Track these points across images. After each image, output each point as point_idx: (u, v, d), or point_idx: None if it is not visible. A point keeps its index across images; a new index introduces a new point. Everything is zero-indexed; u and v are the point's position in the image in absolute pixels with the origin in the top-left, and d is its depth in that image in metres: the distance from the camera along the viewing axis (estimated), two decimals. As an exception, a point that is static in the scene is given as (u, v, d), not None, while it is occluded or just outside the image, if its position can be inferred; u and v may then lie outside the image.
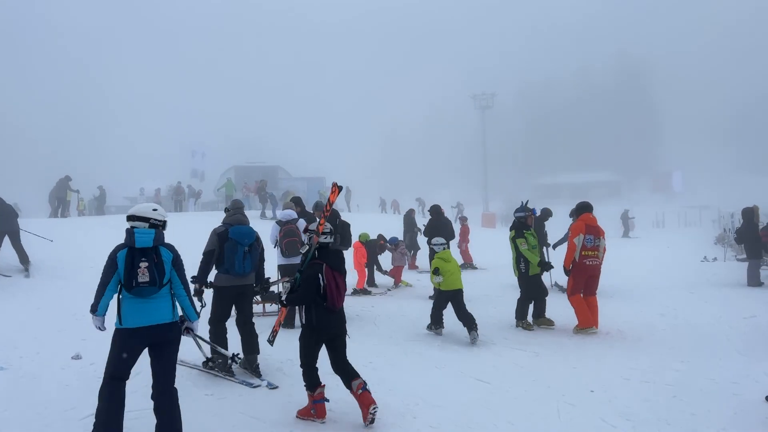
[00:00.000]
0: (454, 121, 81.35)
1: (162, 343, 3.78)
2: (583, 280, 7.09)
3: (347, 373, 4.36)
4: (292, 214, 7.59)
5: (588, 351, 6.26)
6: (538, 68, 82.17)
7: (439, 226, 10.37)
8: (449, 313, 7.06)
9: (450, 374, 5.54)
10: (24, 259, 10.32)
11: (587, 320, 6.93)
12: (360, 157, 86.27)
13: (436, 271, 7.11)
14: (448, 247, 8.16)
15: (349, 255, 8.89)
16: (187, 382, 5.21)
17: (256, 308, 7.35)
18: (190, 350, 6.19)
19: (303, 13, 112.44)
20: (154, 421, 4.29)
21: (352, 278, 10.55)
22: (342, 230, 8.37)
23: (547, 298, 7.70)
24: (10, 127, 72.67)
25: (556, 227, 11.89)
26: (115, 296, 3.77)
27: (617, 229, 36.38)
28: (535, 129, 78.36)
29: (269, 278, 5.99)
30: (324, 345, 4.44)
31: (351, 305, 8.96)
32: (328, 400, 4.40)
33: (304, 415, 4.37)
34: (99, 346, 4.50)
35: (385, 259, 12.23)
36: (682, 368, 5.53)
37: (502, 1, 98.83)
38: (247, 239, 5.49)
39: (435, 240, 7.66)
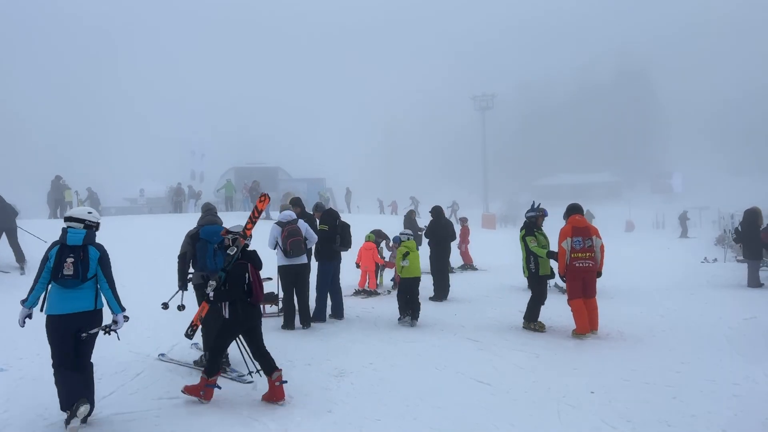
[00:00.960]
0: (453, 122, 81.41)
1: (84, 330, 4.19)
2: (579, 282, 7.03)
3: (269, 362, 4.76)
4: (291, 215, 7.62)
5: (588, 352, 6.26)
6: (538, 68, 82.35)
7: (440, 226, 10.37)
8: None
9: (450, 375, 5.53)
10: (20, 257, 10.58)
11: (584, 327, 6.90)
12: (360, 158, 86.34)
13: (405, 255, 7.80)
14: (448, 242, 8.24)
15: (348, 255, 8.86)
16: (186, 383, 5.20)
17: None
18: (185, 350, 6.20)
19: (303, 14, 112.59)
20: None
21: (352, 279, 10.57)
22: (342, 231, 8.36)
23: (547, 300, 7.66)
24: (9, 127, 72.72)
25: (554, 228, 11.85)
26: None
27: (620, 228, 36.54)
28: (535, 130, 78.50)
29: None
30: (242, 336, 4.90)
31: (351, 306, 8.95)
32: (220, 387, 4.73)
33: (190, 392, 4.69)
34: (98, 346, 4.51)
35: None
36: (682, 369, 5.52)
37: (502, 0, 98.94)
38: (216, 237, 5.61)
39: (404, 231, 8.42)
